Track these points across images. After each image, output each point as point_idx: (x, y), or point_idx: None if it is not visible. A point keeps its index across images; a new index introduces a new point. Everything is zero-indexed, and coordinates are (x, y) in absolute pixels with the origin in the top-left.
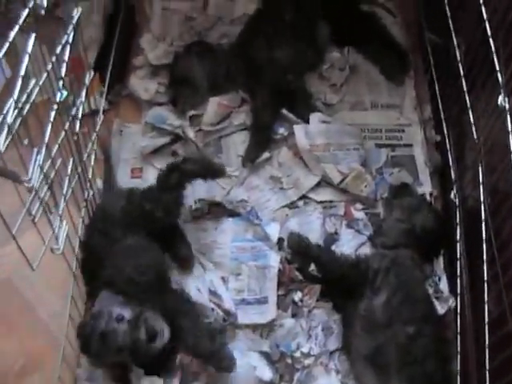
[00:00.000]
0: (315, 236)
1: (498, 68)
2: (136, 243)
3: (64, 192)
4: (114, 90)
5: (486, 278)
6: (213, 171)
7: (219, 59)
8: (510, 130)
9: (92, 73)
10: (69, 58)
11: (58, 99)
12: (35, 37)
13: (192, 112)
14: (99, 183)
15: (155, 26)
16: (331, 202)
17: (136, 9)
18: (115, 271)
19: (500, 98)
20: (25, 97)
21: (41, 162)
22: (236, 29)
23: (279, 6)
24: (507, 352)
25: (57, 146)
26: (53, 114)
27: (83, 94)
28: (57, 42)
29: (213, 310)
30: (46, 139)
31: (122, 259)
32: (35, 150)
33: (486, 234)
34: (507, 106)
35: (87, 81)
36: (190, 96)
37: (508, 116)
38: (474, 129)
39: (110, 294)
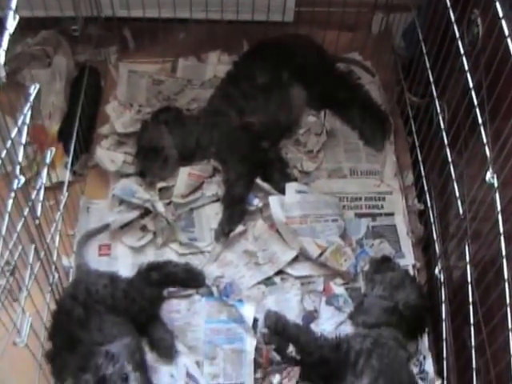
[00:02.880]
0: (293, 314)
1: (485, 141)
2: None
3: (26, 282)
4: (80, 161)
5: (474, 366)
6: (193, 277)
7: (189, 127)
8: (499, 209)
9: (54, 150)
10: (30, 127)
11: (15, 186)
12: None
13: (161, 184)
14: (65, 261)
15: (122, 91)
16: (310, 276)
17: (101, 73)
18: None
19: (488, 174)
20: None
21: None
22: (206, 92)
23: (251, 68)
24: None
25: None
26: (10, 202)
27: (44, 174)
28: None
29: None
30: (4, 231)
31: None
32: None
33: (473, 318)
34: (496, 183)
35: (48, 159)
36: (158, 167)
37: (497, 194)
38: (459, 203)
39: None
